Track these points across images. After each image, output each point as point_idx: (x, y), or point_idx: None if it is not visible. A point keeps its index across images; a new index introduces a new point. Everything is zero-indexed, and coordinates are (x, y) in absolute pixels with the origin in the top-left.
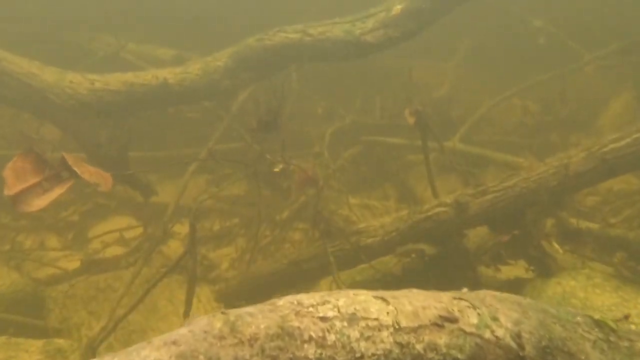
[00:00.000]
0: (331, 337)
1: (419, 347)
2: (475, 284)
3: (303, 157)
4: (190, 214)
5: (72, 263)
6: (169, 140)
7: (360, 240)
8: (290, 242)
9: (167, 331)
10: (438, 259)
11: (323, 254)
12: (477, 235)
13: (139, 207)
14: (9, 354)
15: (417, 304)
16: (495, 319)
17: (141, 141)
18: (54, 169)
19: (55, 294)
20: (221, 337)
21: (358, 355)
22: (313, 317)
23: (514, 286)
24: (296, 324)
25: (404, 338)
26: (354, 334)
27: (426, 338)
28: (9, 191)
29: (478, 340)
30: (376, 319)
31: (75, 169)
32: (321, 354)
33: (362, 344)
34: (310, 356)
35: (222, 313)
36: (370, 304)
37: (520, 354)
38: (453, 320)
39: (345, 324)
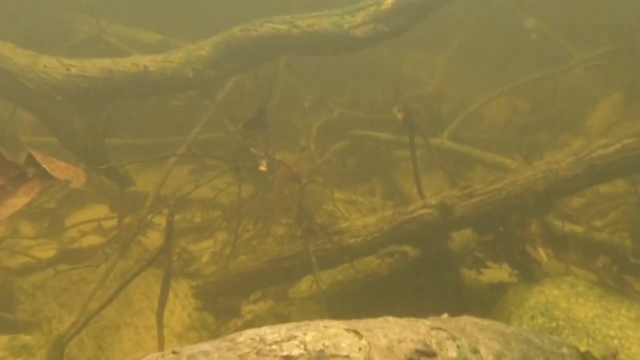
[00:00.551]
0: None
1: None
2: (458, 288)
3: (289, 149)
4: (168, 210)
5: (47, 252)
6: (153, 128)
7: (342, 240)
8: (273, 236)
9: (142, 327)
10: (421, 260)
11: (305, 253)
12: (461, 236)
13: (118, 196)
14: None
15: (393, 337)
16: (475, 351)
17: (123, 128)
18: (18, 167)
19: (26, 285)
20: None
21: None
22: (276, 356)
23: (497, 290)
24: None
25: None
26: None
27: None
28: None
29: None
30: (347, 357)
31: (45, 166)
32: None
33: None
34: None
35: (173, 353)
36: (341, 338)
37: None
38: (430, 354)
39: None
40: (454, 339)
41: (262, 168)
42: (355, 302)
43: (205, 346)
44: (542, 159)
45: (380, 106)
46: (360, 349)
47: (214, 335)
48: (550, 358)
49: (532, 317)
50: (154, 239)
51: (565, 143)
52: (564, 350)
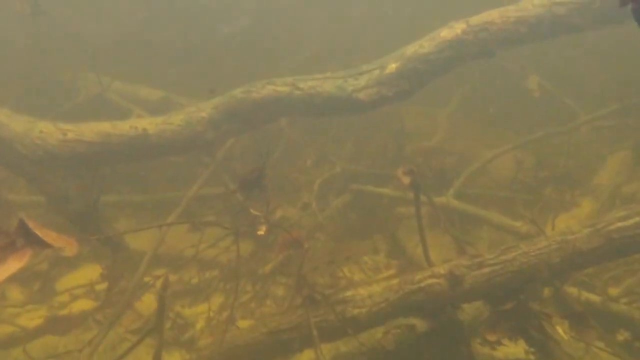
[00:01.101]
0: None
1: None
2: None
3: (291, 202)
4: (161, 285)
5: (34, 320)
6: (151, 183)
7: (346, 310)
8: (272, 297)
9: None
10: (430, 332)
11: (305, 324)
12: (471, 306)
13: (110, 263)
14: None
15: None
16: None
17: (120, 183)
18: (7, 235)
19: None
20: None
21: None
22: None
23: None
24: None
25: None
26: None
27: None
28: None
29: None
30: None
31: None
32: None
33: None
34: None
35: None
36: None
37: None
38: None
39: None
40: None
41: (260, 232)
42: None
43: None
44: (552, 222)
45: (383, 161)
46: None
47: None
48: None
49: None
50: (148, 302)
51: (574, 202)
52: None
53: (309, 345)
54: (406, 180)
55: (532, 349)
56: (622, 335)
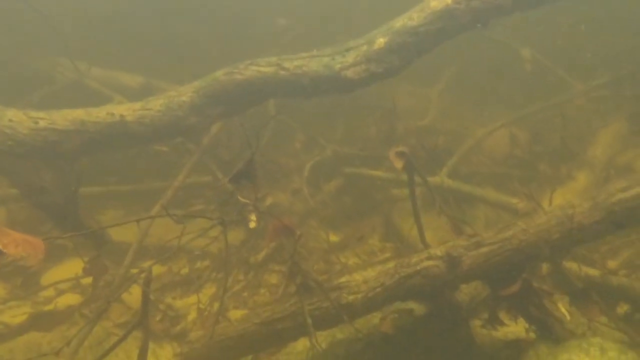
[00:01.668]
0: None
1: None
2: (469, 345)
3: (281, 188)
4: (144, 279)
5: (17, 317)
6: (135, 173)
7: (341, 297)
8: (266, 286)
9: None
10: (428, 316)
11: (299, 312)
12: (469, 286)
13: (92, 258)
14: None
15: None
16: None
17: (104, 173)
18: None
19: None
20: None
21: None
22: None
23: (513, 348)
24: None
25: None
26: None
27: None
28: None
29: None
30: None
31: None
32: None
33: None
34: None
35: None
36: None
37: None
38: None
39: None
40: None
41: (252, 225)
42: None
43: None
44: (550, 197)
45: (374, 142)
46: None
47: None
48: None
49: None
50: (137, 294)
51: (570, 175)
52: None
53: (304, 334)
54: (399, 162)
55: (532, 327)
56: (622, 308)
